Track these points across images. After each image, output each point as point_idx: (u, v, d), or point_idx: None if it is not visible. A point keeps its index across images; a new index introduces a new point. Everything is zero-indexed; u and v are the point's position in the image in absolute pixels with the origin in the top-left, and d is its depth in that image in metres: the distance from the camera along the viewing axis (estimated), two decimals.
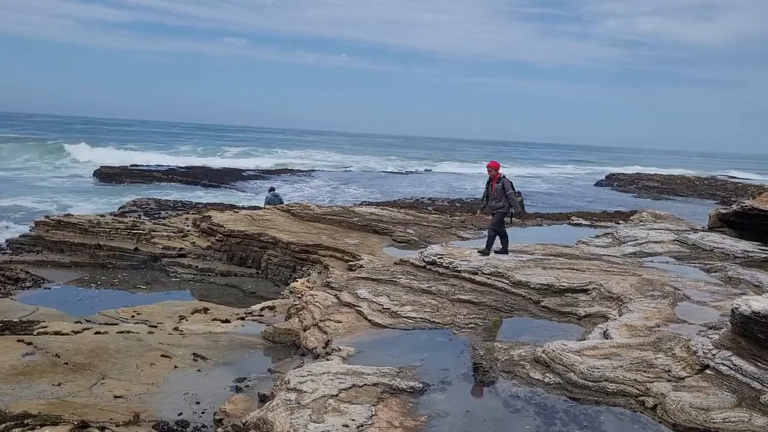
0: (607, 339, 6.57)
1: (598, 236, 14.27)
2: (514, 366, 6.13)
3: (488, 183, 10.99)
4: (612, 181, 57.52)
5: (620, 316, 7.47)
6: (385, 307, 8.31)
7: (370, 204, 26.58)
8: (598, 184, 58.25)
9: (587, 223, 19.45)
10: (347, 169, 62.08)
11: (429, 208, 28.21)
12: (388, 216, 17.65)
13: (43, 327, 8.57)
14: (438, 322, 7.83)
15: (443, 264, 10.23)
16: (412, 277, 9.95)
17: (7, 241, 17.01)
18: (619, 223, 17.85)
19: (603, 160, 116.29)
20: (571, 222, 19.78)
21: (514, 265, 9.95)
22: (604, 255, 11.67)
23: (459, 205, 33.11)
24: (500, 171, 11.01)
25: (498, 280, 9.33)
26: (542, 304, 8.51)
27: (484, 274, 9.59)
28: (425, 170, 67.30)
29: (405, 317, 7.98)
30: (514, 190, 11.03)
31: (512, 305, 8.59)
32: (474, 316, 8.14)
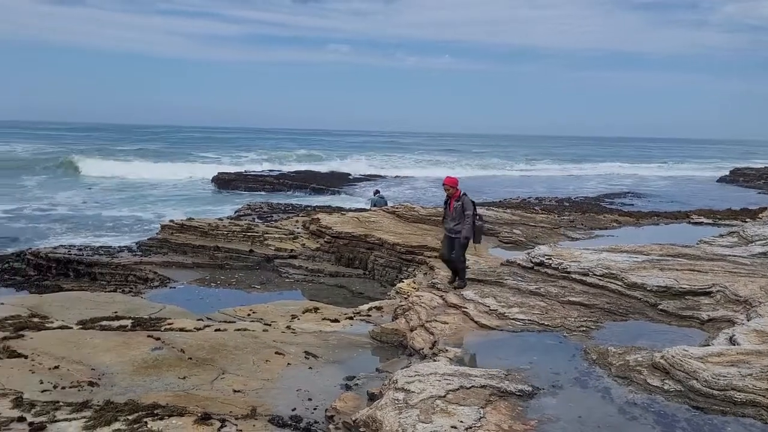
0: (734, 345, 6.13)
1: (722, 235, 13.33)
2: (629, 371, 5.86)
3: (446, 202, 9.85)
4: (737, 176, 53.64)
5: (749, 320, 6.95)
6: (491, 308, 8.21)
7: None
8: (722, 180, 54.52)
9: (709, 221, 18.22)
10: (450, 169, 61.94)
11: (536, 207, 27.54)
12: (494, 216, 17.41)
13: (169, 324, 9.17)
14: (547, 325, 7.63)
15: (552, 265, 9.96)
16: (519, 279, 9.76)
17: (137, 243, 18.39)
18: (745, 221, 16.58)
19: (725, 154, 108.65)
20: (691, 220, 18.61)
21: (629, 266, 9.51)
22: (729, 255, 10.88)
23: (567, 204, 32.11)
24: (459, 188, 9.79)
25: (611, 282, 8.95)
26: (660, 307, 8.08)
27: (595, 275, 9.24)
28: (527, 169, 65.82)
29: (512, 319, 7.85)
30: (475, 211, 9.68)
31: (627, 308, 8.21)
32: (585, 318, 7.86)
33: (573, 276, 9.41)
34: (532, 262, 10.36)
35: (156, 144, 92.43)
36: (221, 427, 5.86)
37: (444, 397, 5.23)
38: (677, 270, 9.26)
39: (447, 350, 6.79)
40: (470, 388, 5.43)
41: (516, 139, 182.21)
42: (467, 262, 10.05)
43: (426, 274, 13.09)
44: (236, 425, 5.94)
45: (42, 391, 6.54)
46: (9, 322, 8.95)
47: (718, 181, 54.28)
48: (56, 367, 7.18)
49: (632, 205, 35.11)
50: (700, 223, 17.73)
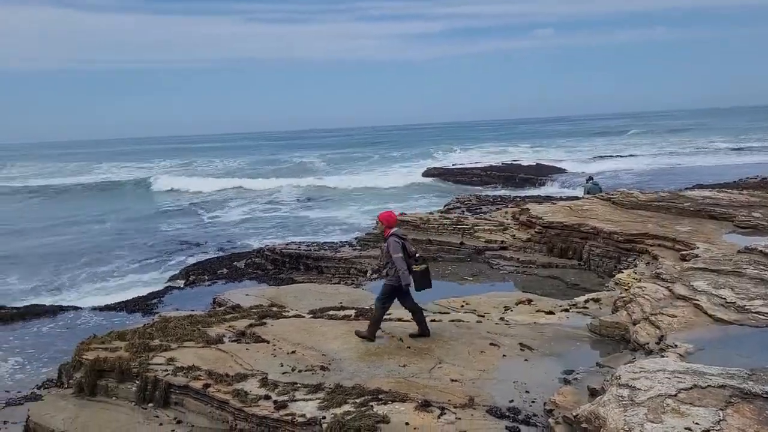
0: None
1: None
2: None
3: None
4: None
5: None
6: (728, 300, 7.38)
7: (703, 187, 23.90)
8: None
9: None
10: (668, 152, 56.59)
11: None
12: (727, 199, 15.63)
13: (388, 314, 9.66)
14: None
15: None
16: (762, 267, 8.64)
17: (355, 238, 19.68)
18: None
19: None
20: None
21: None
22: None
23: None
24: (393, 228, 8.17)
25: None
26: None
27: None
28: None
29: (755, 313, 6.97)
30: (406, 253, 8.01)
31: None
32: None
33: None
34: None
35: (383, 148, 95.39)
36: (441, 414, 6.05)
37: (675, 396, 4.84)
38: None
39: (677, 346, 6.26)
40: (706, 387, 4.95)
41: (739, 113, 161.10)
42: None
43: (648, 263, 12.18)
44: (455, 413, 6.08)
45: (282, 373, 7.32)
46: (254, 310, 10.14)
47: None
48: (293, 352, 7.97)
49: None
50: None
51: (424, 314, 8.54)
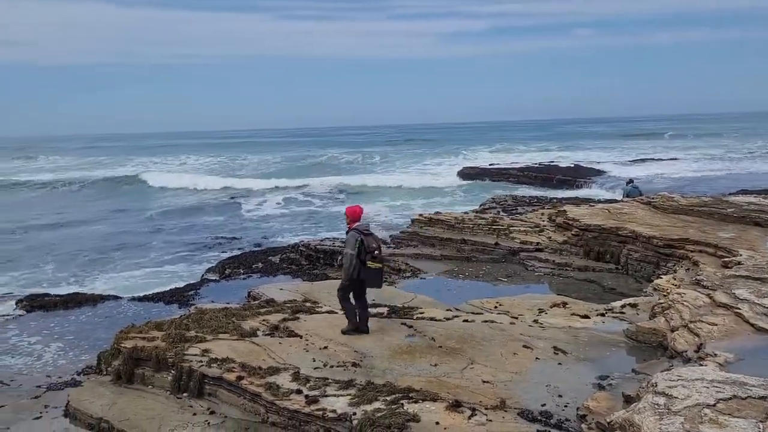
0: None
1: None
2: None
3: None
4: None
5: None
6: None
7: (748, 192, 23.25)
8: None
9: None
10: (710, 156, 55.01)
11: None
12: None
13: (420, 313, 9.67)
14: None
15: None
16: None
17: (390, 236, 19.70)
18: None
19: None
20: None
21: None
22: None
23: None
24: (357, 222, 8.46)
25: None
26: None
27: None
28: None
29: None
30: (363, 249, 8.19)
31: None
32: None
33: None
34: None
35: (417, 146, 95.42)
36: (471, 415, 6.03)
37: (713, 406, 4.73)
38: None
39: (716, 354, 6.11)
40: (746, 398, 4.82)
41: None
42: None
43: (689, 270, 11.90)
44: (486, 415, 6.05)
45: (314, 368, 7.38)
46: (288, 305, 10.24)
47: None
48: (325, 348, 8.02)
49: None
50: None
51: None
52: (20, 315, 14.03)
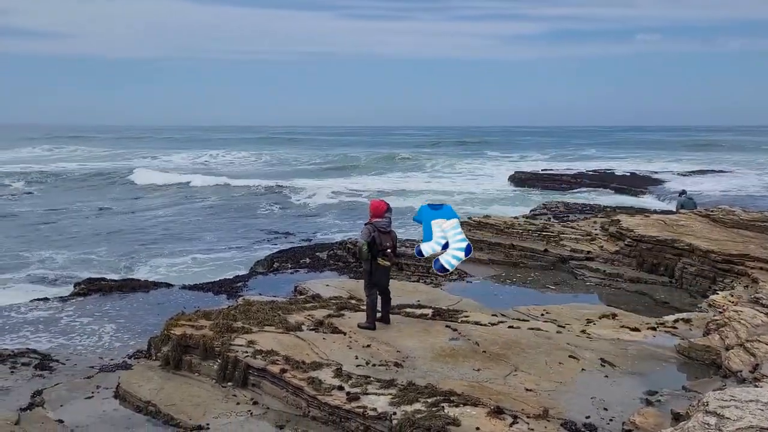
0: None
1: None
2: None
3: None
4: None
5: None
6: None
7: None
8: None
9: None
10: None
11: None
12: None
13: (465, 316, 9.59)
14: None
15: None
16: None
17: None
18: None
19: None
20: None
21: None
22: None
23: None
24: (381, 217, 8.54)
25: None
26: None
27: None
28: None
29: None
30: (375, 245, 8.39)
31: None
32: None
33: None
34: None
35: (472, 148, 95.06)
36: (513, 423, 5.95)
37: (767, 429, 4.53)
38: None
39: None
40: None
41: None
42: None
43: (747, 287, 11.46)
44: (528, 423, 5.96)
45: (356, 366, 7.41)
46: (333, 301, 10.32)
47: None
48: (368, 346, 8.06)
49: None
50: None
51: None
52: (78, 298, 14.55)
